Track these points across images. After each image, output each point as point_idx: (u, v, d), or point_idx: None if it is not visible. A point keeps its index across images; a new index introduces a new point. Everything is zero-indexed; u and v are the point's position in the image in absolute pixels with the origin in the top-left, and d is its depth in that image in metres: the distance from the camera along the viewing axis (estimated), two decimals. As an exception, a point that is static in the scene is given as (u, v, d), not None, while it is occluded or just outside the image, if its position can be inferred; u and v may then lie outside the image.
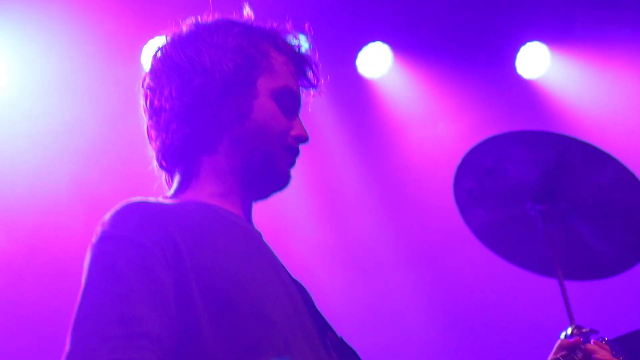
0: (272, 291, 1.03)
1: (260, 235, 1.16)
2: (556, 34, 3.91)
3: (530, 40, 3.86)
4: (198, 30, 1.17)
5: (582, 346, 1.44)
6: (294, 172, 1.21)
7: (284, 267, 1.15)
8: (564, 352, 1.41)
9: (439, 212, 3.50)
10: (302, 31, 1.32)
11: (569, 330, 2.07)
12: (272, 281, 1.06)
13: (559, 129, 3.91)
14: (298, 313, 1.05)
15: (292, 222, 3.79)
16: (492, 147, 2.27)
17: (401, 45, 3.91)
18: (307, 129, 1.19)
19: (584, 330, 2.04)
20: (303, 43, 1.27)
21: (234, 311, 0.96)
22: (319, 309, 1.17)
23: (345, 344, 1.17)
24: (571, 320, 2.12)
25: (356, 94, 4.04)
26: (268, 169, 1.17)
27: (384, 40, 3.85)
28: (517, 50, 3.87)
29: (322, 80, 1.29)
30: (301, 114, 1.25)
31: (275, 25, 1.24)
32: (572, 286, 2.24)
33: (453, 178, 2.29)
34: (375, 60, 3.89)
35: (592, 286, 2.91)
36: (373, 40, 3.83)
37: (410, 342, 3.69)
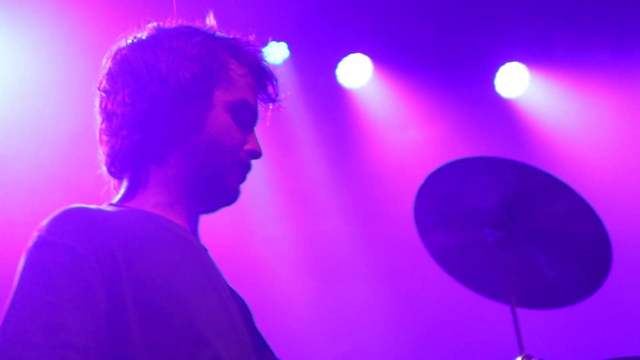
0: (208, 308, 1.01)
1: (205, 249, 1.14)
2: (536, 55, 3.93)
3: (510, 60, 3.90)
4: (158, 35, 1.13)
5: None
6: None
7: (226, 283, 1.12)
8: None
9: (409, 227, 3.52)
10: (267, 42, 1.27)
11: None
12: (209, 298, 1.03)
13: (534, 149, 3.96)
14: (235, 331, 1.03)
15: (262, 228, 3.80)
16: (454, 171, 2.26)
17: (382, 58, 3.93)
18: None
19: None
20: (265, 56, 1.22)
21: (166, 326, 0.95)
22: (258, 328, 1.15)
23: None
24: (521, 349, 2.12)
25: (335, 103, 4.05)
26: (217, 184, 1.14)
27: (364, 52, 3.87)
28: (496, 69, 3.91)
29: (282, 95, 1.24)
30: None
31: (238, 36, 1.20)
32: (525, 315, 2.24)
33: (414, 200, 2.29)
34: (355, 71, 3.91)
35: (545, 316, 2.92)
36: (354, 51, 3.85)
37: (368, 355, 3.71)
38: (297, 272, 3.79)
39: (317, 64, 3.87)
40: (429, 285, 3.63)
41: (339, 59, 3.87)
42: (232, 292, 1.13)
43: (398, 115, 4.07)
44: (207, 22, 1.20)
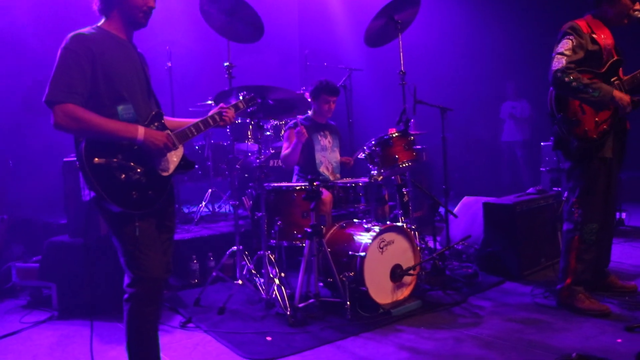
0: (132, 75, 2.51)
1: (135, 47, 2.61)
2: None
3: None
4: None
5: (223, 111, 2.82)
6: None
7: (141, 62, 2.61)
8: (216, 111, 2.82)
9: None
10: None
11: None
12: (133, 70, 2.53)
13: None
14: (141, 84, 2.57)
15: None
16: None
17: None
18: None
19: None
20: None
21: (112, 81, 2.41)
22: (149, 81, 2.64)
23: (157, 102, 2.68)
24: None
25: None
26: (137, 20, 2.54)
27: None
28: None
29: None
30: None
31: None
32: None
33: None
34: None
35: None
36: None
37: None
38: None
39: None
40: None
41: None
42: (144, 70, 2.61)
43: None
44: None
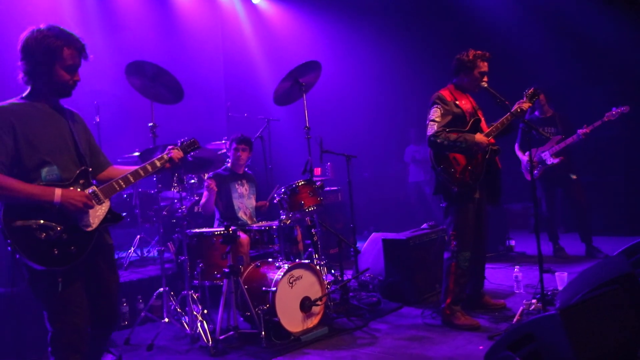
0: (56, 139, 2.63)
1: (61, 111, 2.75)
2: None
3: None
4: (36, 37, 2.58)
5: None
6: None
7: (69, 123, 2.74)
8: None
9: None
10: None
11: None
12: (58, 134, 2.66)
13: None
14: (67, 145, 2.68)
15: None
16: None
17: None
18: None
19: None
20: (80, 42, 2.69)
21: (36, 148, 2.54)
22: (77, 140, 2.74)
23: (85, 160, 2.76)
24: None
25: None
26: (63, 92, 2.70)
27: None
28: None
29: (88, 56, 2.73)
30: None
31: (71, 36, 2.66)
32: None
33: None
34: None
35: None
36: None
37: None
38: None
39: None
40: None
41: None
42: (71, 130, 2.73)
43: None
44: (57, 30, 2.64)
